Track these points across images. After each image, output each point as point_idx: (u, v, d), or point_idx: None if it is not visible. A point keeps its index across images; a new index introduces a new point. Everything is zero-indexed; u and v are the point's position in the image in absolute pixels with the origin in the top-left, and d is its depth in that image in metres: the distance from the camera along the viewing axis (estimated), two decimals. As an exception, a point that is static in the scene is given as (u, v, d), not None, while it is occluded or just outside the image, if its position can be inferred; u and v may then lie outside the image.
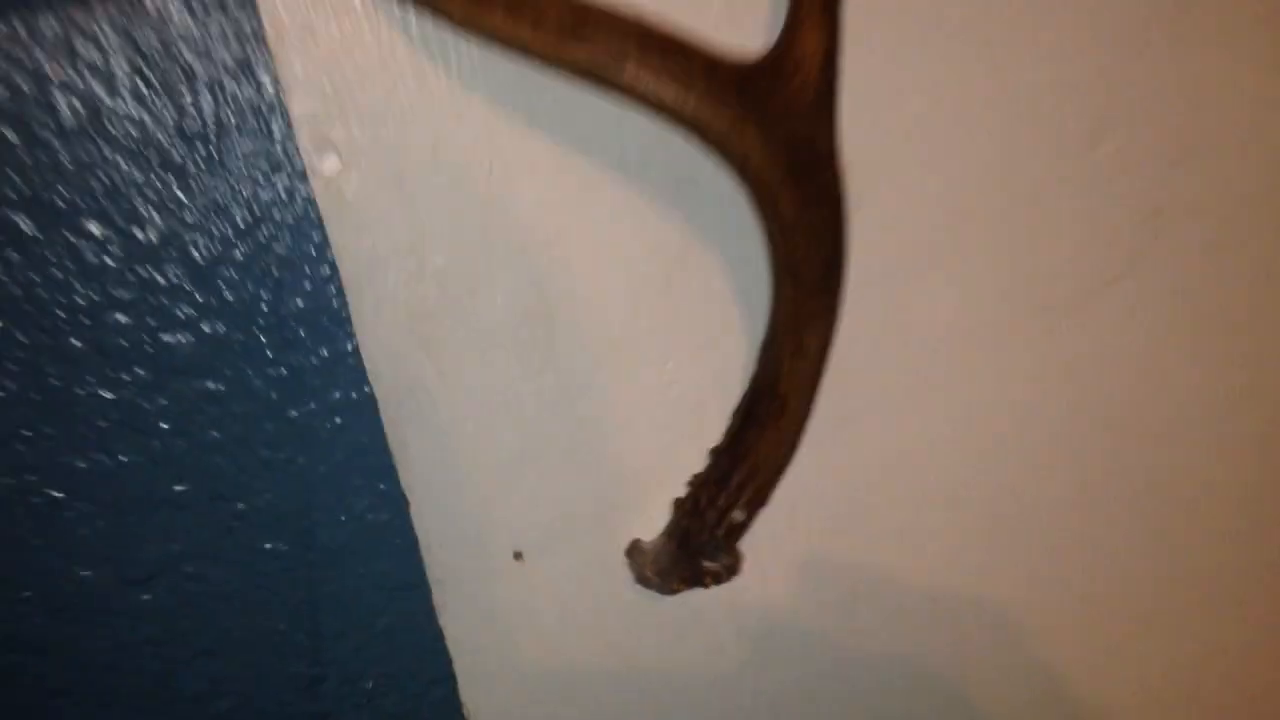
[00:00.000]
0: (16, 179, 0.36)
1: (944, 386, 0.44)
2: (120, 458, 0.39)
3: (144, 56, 0.36)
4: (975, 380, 0.44)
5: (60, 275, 0.38)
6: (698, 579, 0.41)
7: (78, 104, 0.36)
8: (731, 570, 0.41)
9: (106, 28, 0.35)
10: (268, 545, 0.41)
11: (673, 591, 0.41)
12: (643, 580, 0.42)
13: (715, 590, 0.44)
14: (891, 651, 0.46)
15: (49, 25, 0.35)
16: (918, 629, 0.46)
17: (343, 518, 0.42)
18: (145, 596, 0.41)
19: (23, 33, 0.35)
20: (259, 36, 0.36)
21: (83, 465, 0.39)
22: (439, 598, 0.42)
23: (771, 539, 0.43)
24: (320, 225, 0.38)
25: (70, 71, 0.35)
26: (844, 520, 0.45)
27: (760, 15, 0.38)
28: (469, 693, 0.43)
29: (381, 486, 0.42)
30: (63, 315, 0.38)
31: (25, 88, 0.35)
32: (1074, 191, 0.43)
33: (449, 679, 0.43)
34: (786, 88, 0.34)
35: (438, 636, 0.42)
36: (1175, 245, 0.45)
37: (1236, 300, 0.46)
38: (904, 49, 0.40)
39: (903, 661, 0.46)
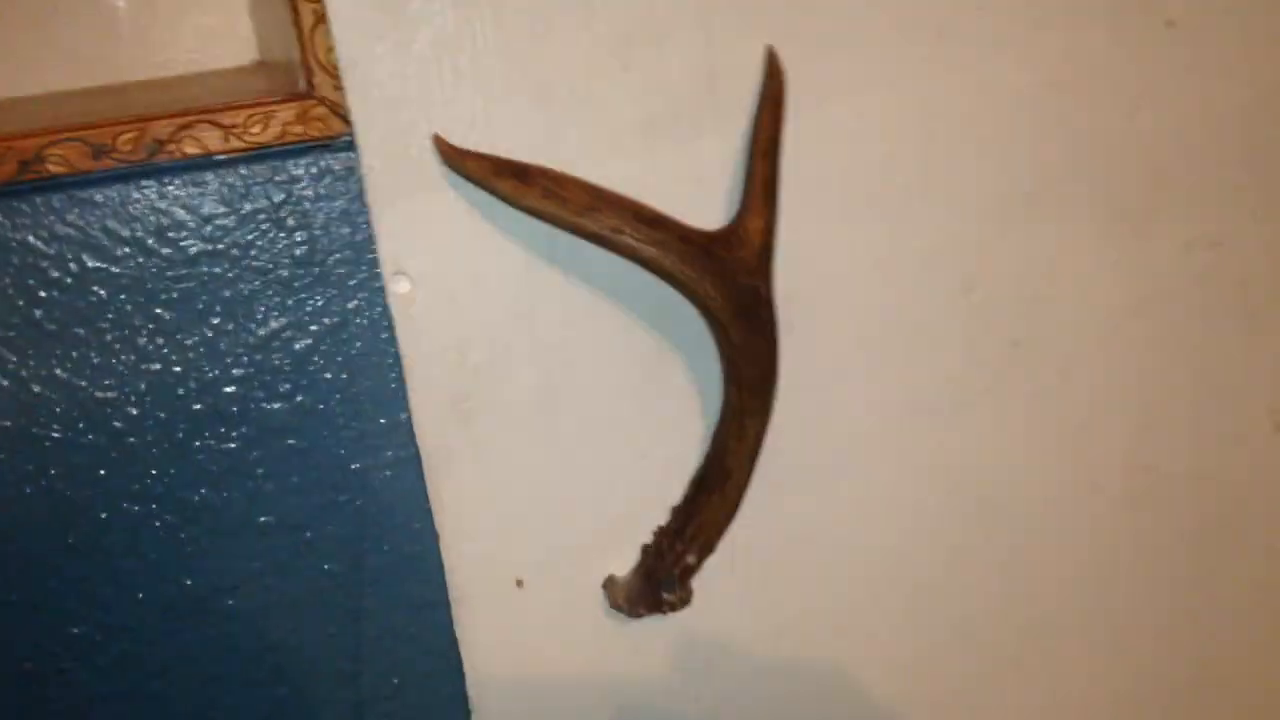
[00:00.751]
0: (168, 282, 0.50)
1: (853, 469, 0.59)
2: (224, 494, 0.53)
3: (272, 202, 0.50)
4: (878, 465, 0.59)
5: (192, 355, 0.51)
6: (658, 607, 0.55)
7: (221, 235, 0.50)
8: (684, 601, 0.55)
9: (254, 182, 0.49)
10: (326, 566, 0.54)
11: (638, 616, 0.54)
12: (615, 606, 0.55)
13: (671, 617, 0.57)
14: (808, 672, 0.59)
15: (216, 180, 0.49)
16: (827, 658, 0.60)
17: (386, 547, 0.55)
18: (232, 602, 0.53)
19: (192, 184, 0.49)
20: (360, 195, 0.50)
21: (196, 499, 0.52)
22: (456, 614, 0.55)
23: (716, 579, 0.56)
24: (390, 328, 0.52)
25: (222, 210, 0.49)
26: (774, 568, 0.58)
27: (719, 202, 0.53)
28: (475, 690, 0.56)
29: (417, 525, 0.55)
30: (193, 384, 0.51)
31: (191, 221, 0.49)
32: (952, 325, 0.58)
33: (460, 678, 0.55)
34: (737, 252, 0.49)
35: (453, 644, 0.55)
36: (1031, 368, 0.60)
37: (1079, 411, 0.61)
38: (822, 224, 0.55)
39: (817, 681, 0.60)
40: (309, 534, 0.54)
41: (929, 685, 0.62)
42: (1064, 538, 0.62)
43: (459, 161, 0.48)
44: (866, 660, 0.61)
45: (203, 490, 0.52)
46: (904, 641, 0.61)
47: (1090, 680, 0.65)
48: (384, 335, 0.53)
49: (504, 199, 0.48)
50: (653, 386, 0.55)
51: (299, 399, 0.53)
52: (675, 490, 0.56)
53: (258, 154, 0.49)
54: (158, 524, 0.52)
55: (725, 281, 0.49)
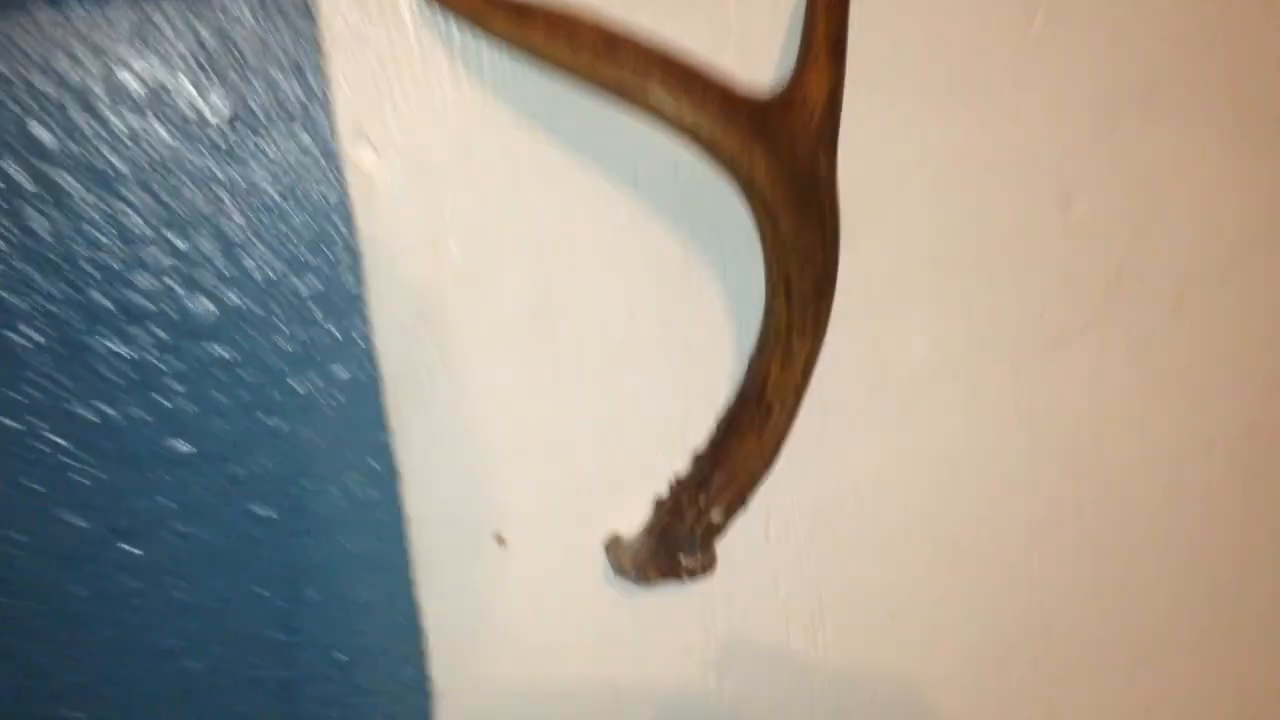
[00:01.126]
0: (71, 145, 0.39)
1: (915, 417, 0.48)
2: (129, 412, 0.42)
3: (205, 48, 0.39)
4: (944, 413, 0.48)
5: (95, 233, 0.41)
6: (674, 574, 0.44)
7: (139, 84, 0.39)
8: (706, 568, 0.44)
9: (176, 19, 0.39)
10: (258, 510, 0.44)
11: (649, 583, 0.44)
12: (621, 571, 0.45)
13: (686, 592, 0.47)
14: (853, 667, 0.49)
15: (123, 14, 0.38)
16: (878, 647, 0.49)
17: (334, 490, 0.44)
18: (132, 549, 0.43)
19: (99, 18, 0.38)
20: (313, 40, 0.40)
21: (91, 417, 0.42)
22: (420, 576, 0.44)
23: (745, 544, 0.46)
24: (349, 213, 0.42)
25: (137, 55, 0.39)
26: (814, 533, 0.48)
27: (770, 59, 0.42)
28: (440, 672, 0.45)
29: (375, 464, 0.44)
30: (92, 271, 0.41)
31: (93, 66, 0.39)
32: (1045, 248, 0.48)
33: (421, 657, 0.45)
34: (793, 119, 0.39)
35: (414, 614, 0.45)
36: (1137, 303, 0.50)
37: (1193, 355, 0.51)
38: (901, 101, 0.44)
39: (864, 679, 0.49)
40: (237, 469, 0.43)
41: (1004, 683, 0.52)
42: (1169, 506, 0.51)
43: (441, -13, 0.38)
44: (928, 652, 0.50)
45: (101, 406, 0.42)
46: (974, 631, 0.51)
47: (1200, 670, 0.55)
48: (338, 219, 0.42)
49: (498, 40, 0.38)
50: (676, 297, 0.44)
51: (228, 295, 0.42)
52: (699, 431, 0.45)
53: (181, -29, 0.39)
54: (39, 445, 0.42)
55: (778, 157, 0.38)
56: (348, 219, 0.42)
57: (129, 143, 0.40)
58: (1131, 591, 0.52)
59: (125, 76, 0.39)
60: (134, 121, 0.40)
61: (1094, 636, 0.52)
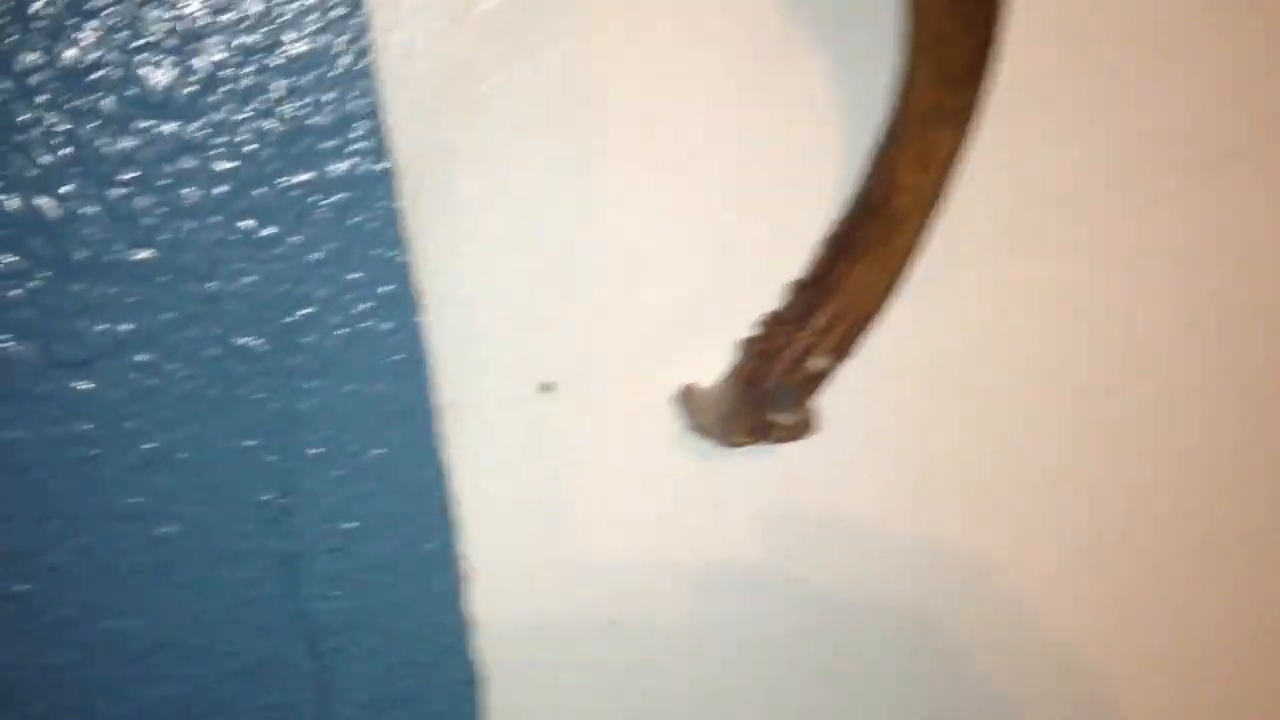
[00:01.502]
0: None
1: (1057, 248, 0.39)
2: (67, 205, 0.33)
3: None
4: (1100, 243, 0.39)
5: (7, -43, 0.31)
6: (763, 434, 0.35)
7: None
8: (803, 428, 0.36)
9: None
10: (241, 340, 0.35)
11: (732, 445, 0.35)
12: (697, 429, 0.36)
13: (770, 455, 0.38)
14: (957, 545, 0.41)
15: None
16: (987, 524, 0.41)
17: (337, 319, 0.35)
18: (83, 385, 0.34)
19: None
20: None
21: (17, 207, 0.32)
22: (447, 430, 0.36)
23: (839, 399, 0.37)
24: (347, -65, 0.31)
25: None
26: (922, 388, 0.39)
27: None
28: (471, 546, 0.37)
29: (387, 286, 0.35)
30: (12, 19, 0.31)
31: None
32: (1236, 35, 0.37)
33: (448, 528, 0.37)
34: None
35: (440, 475, 0.36)
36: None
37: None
38: None
39: (968, 557, 0.41)
40: (211, 284, 0.34)
41: (1115, 572, 0.43)
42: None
43: None
44: (1042, 529, 0.42)
45: (34, 198, 0.32)
46: (1099, 509, 0.42)
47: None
48: (338, -50, 0.32)
49: None
50: (770, 81, 0.34)
51: (190, 55, 0.32)
52: (799, 252, 0.36)
53: None
54: (-46, 246, 0.33)
55: None
56: (349, -46, 0.32)
57: None
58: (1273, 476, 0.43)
59: None
60: None
61: (1226, 515, 0.44)
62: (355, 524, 0.37)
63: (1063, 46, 0.37)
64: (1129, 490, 0.43)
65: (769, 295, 0.37)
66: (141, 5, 0.32)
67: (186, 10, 0.32)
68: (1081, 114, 0.38)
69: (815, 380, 0.36)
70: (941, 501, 0.41)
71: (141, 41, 0.32)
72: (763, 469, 0.38)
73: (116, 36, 0.32)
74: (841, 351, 0.36)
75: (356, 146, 0.34)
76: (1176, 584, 0.44)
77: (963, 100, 0.32)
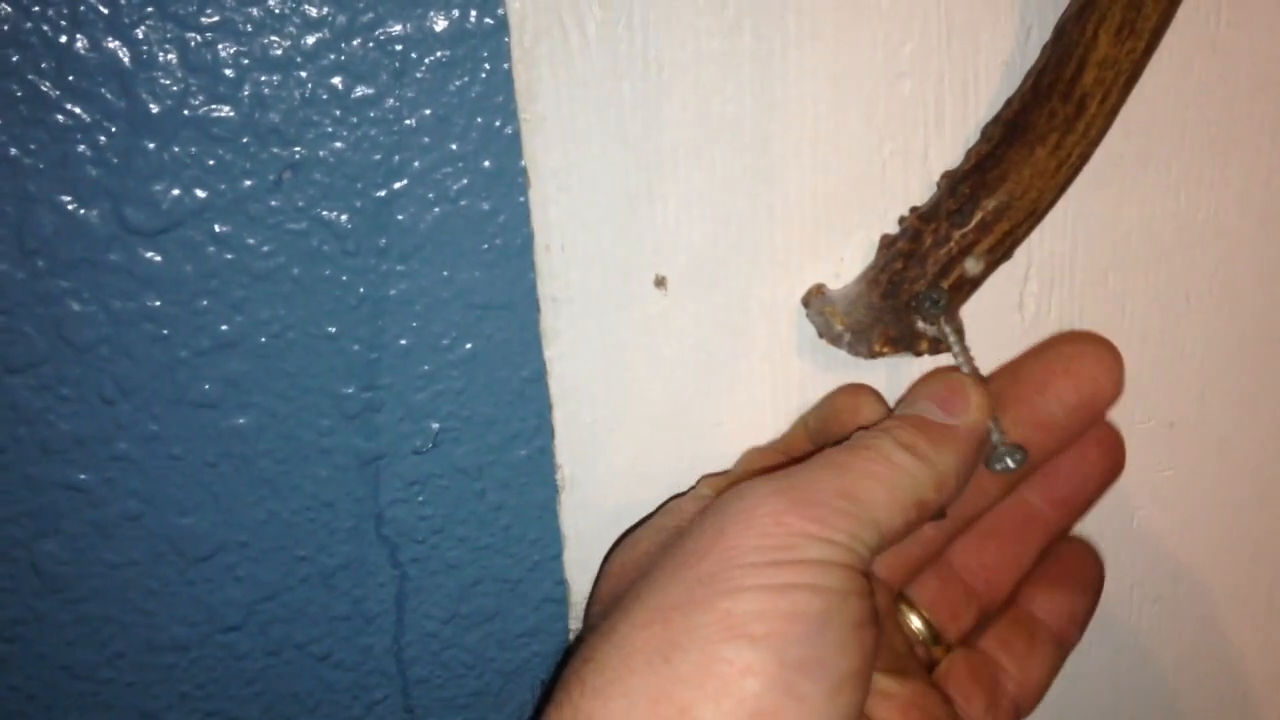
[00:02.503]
0: None
1: (1252, 147, 0.35)
2: (141, 51, 0.29)
3: None
4: (1292, 146, 0.35)
5: None
6: (907, 344, 0.32)
7: None
8: (954, 337, 0.32)
9: None
10: (327, 214, 0.32)
11: (870, 355, 0.32)
12: (830, 336, 0.32)
13: (904, 367, 0.35)
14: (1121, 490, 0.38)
15: None
16: (1148, 463, 0.38)
17: (432, 195, 0.32)
18: (154, 255, 0.31)
19: None
20: None
21: (85, 50, 0.29)
22: (548, 322, 0.33)
23: (987, 313, 0.34)
24: None
25: None
26: (1085, 307, 0.35)
27: None
28: (567, 455, 0.34)
29: (490, 161, 0.32)
30: None
31: None
32: None
33: (545, 432, 0.34)
34: None
35: (538, 374, 0.33)
36: None
37: None
38: None
39: (1119, 502, 0.38)
40: (297, 150, 0.30)
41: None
42: None
43: None
44: (1204, 460, 0.39)
45: (99, 38, 0.29)
46: (1272, 445, 0.39)
47: None
48: None
49: None
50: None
51: None
52: (953, 142, 0.32)
53: None
54: (19, 101, 0.29)
55: None
56: None
57: None
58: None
59: None
60: None
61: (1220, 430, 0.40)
62: (443, 424, 0.34)
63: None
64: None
65: (919, 187, 0.33)
66: None
67: None
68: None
69: (968, 284, 0.32)
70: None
71: None
72: (903, 385, 0.34)
73: None
74: (1002, 252, 0.32)
75: (462, -5, 0.30)
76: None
77: (1176, -42, 0.27)
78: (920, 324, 0.32)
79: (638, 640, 0.25)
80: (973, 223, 0.31)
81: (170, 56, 0.30)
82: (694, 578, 0.26)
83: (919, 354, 0.32)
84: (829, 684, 0.25)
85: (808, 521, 0.26)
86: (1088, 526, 0.37)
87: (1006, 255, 0.32)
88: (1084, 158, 0.31)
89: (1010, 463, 0.31)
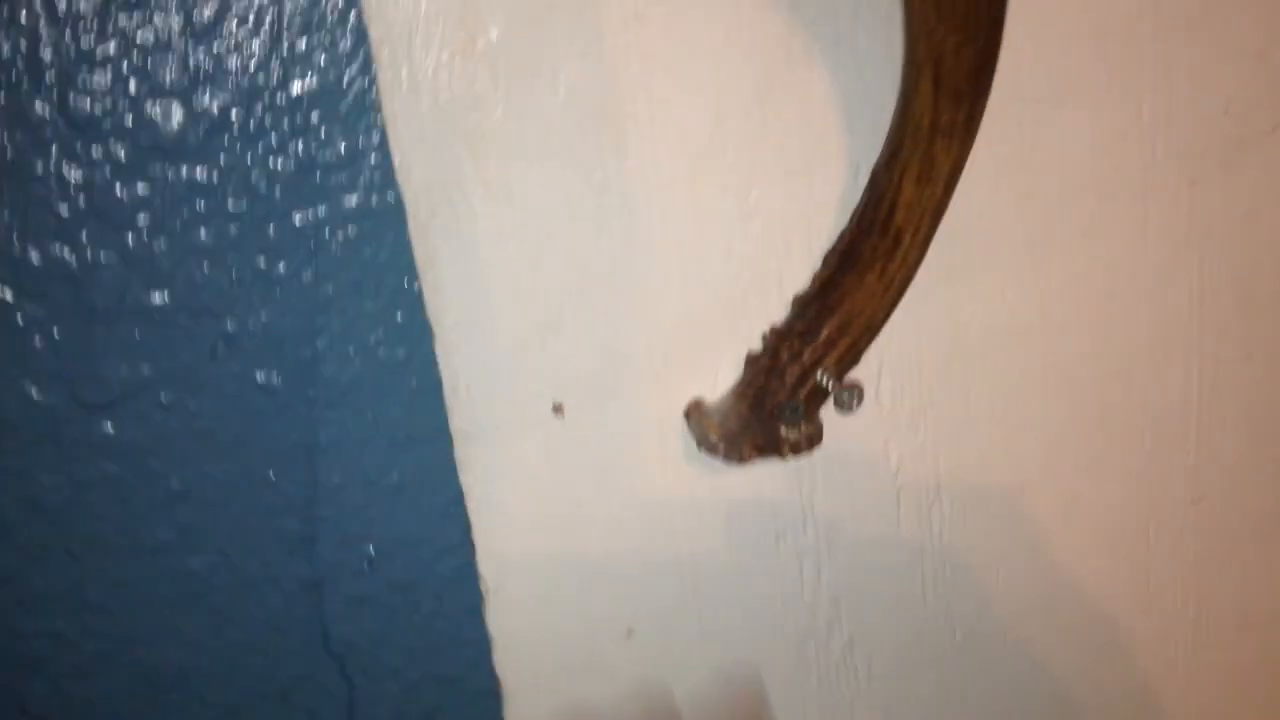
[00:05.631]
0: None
1: (1063, 243, 0.41)
2: (86, 254, 0.35)
3: None
4: (1099, 238, 0.41)
5: (22, 17, 0.32)
6: (772, 448, 0.38)
7: None
8: (813, 440, 0.38)
9: None
10: (259, 375, 0.37)
11: (741, 460, 0.38)
12: (707, 445, 0.38)
13: (780, 468, 0.41)
14: (973, 551, 0.44)
15: None
16: (1004, 525, 0.44)
17: (352, 350, 0.37)
18: (108, 426, 0.36)
19: None
20: None
21: (37, 260, 0.34)
22: (461, 452, 0.38)
23: (856, 410, 0.39)
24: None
25: None
26: (935, 393, 0.42)
27: None
28: (488, 565, 0.39)
29: (400, 315, 0.37)
30: (22, 69, 0.33)
31: None
32: (1240, 14, 0.39)
33: (467, 547, 0.39)
34: None
35: (457, 497, 0.39)
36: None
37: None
38: None
39: (985, 563, 0.44)
40: (229, 324, 0.36)
41: (1144, 562, 0.46)
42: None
43: None
44: (1061, 528, 0.45)
45: (48, 246, 0.34)
46: (1115, 502, 0.45)
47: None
48: (340, -7, 0.34)
49: None
50: (773, 99, 0.36)
51: (198, 101, 0.34)
52: (803, 268, 0.38)
53: None
54: (-22, 298, 0.35)
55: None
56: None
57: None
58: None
59: None
60: None
61: (1252, 507, 0.47)
62: (376, 549, 0.39)
63: (1054, 44, 0.39)
64: (1154, 486, 0.45)
65: (774, 310, 0.39)
66: (148, 53, 0.34)
67: (193, 55, 0.34)
68: (1088, 103, 0.40)
69: (821, 394, 0.38)
70: (957, 501, 0.43)
71: (150, 88, 0.34)
72: (775, 480, 0.40)
73: (125, 84, 0.34)
74: (846, 364, 0.38)
75: (366, 179, 0.36)
76: (1225, 572, 0.47)
77: (962, 113, 0.34)
78: (783, 430, 0.38)
79: None
80: (820, 340, 0.37)
81: (112, 255, 0.35)
82: None
83: (784, 457, 0.38)
84: None
85: None
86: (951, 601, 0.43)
87: (853, 363, 0.38)
88: (907, 280, 0.37)
89: (855, 402, 0.37)
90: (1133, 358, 0.42)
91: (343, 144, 0.36)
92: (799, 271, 0.39)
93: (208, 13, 0.34)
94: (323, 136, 0.35)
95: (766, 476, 0.41)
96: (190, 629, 0.38)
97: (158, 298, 0.36)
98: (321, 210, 0.36)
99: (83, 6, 0.33)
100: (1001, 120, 0.38)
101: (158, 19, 0.33)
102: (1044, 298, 0.41)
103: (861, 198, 0.37)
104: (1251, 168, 0.41)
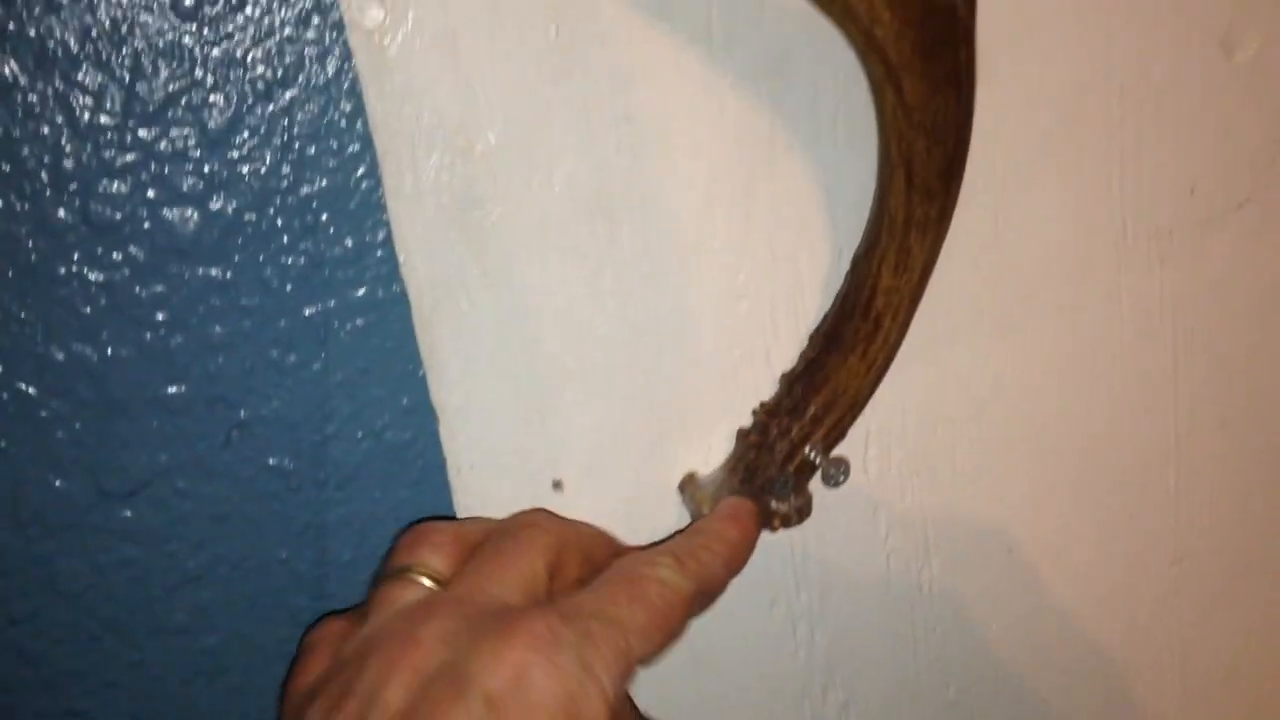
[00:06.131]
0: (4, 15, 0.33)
1: (1040, 316, 0.43)
2: (106, 351, 0.37)
3: None
4: (1075, 311, 0.43)
5: (46, 131, 0.34)
6: (764, 521, 0.39)
7: (76, -80, 0.32)
8: (802, 513, 0.40)
9: None
10: (272, 461, 0.39)
11: (734, 532, 0.39)
12: (700, 519, 0.40)
13: (773, 535, 0.42)
14: (963, 609, 0.45)
15: None
16: (992, 584, 0.45)
17: (360, 434, 0.39)
18: (127, 513, 0.38)
19: None
20: None
21: (61, 357, 0.36)
22: (466, 529, 0.40)
23: (845, 482, 0.41)
24: (356, 90, 0.35)
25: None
26: (920, 461, 0.43)
27: None
28: (494, 637, 0.41)
29: (406, 400, 0.39)
30: (46, 179, 0.35)
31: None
32: (1205, 101, 0.41)
33: (473, 621, 0.41)
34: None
35: (463, 573, 0.40)
36: (1305, 173, 0.43)
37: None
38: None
39: (975, 620, 0.45)
40: (242, 413, 0.38)
41: (1132, 619, 0.48)
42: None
43: None
44: (1047, 588, 0.46)
45: (71, 344, 0.36)
46: (1100, 562, 0.46)
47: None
48: (347, 102, 0.36)
49: None
50: (759, 189, 0.38)
51: (213, 204, 0.36)
52: (790, 348, 0.40)
53: None
54: (7, 398, 0.36)
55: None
56: (356, 99, 0.36)
57: (76, 11, 0.33)
58: (1275, 521, 0.47)
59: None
60: (80, -14, 0.33)
61: (1234, 566, 0.48)
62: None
63: (1025, 132, 0.41)
64: (1136, 548, 0.47)
65: (764, 387, 0.41)
66: (166, 162, 0.36)
67: (209, 162, 0.36)
68: (1060, 185, 0.42)
69: (810, 467, 0.40)
70: (946, 561, 0.45)
71: (168, 194, 0.36)
72: (767, 547, 0.42)
73: (144, 191, 0.36)
74: (833, 440, 0.40)
75: (372, 274, 0.38)
76: (1210, 629, 0.49)
77: (935, 209, 0.36)
78: (774, 503, 0.39)
79: None
80: (807, 417, 0.39)
81: (131, 350, 0.37)
82: None
83: (774, 530, 0.39)
84: None
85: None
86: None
87: (840, 439, 0.40)
88: (889, 359, 0.39)
89: (841, 477, 0.39)
90: (1111, 425, 0.44)
91: (350, 241, 0.38)
92: (787, 350, 0.41)
93: (222, 123, 0.36)
94: (331, 234, 0.38)
95: (759, 544, 0.42)
96: (206, 705, 0.40)
97: (174, 389, 0.38)
98: (330, 303, 0.38)
99: (104, 120, 0.35)
100: (977, 205, 0.40)
101: (174, 131, 0.35)
102: (1022, 369, 0.43)
103: (843, 283, 0.39)
104: (1219, 244, 0.43)
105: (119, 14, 0.34)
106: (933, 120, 0.33)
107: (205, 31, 0.35)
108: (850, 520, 0.43)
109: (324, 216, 0.37)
